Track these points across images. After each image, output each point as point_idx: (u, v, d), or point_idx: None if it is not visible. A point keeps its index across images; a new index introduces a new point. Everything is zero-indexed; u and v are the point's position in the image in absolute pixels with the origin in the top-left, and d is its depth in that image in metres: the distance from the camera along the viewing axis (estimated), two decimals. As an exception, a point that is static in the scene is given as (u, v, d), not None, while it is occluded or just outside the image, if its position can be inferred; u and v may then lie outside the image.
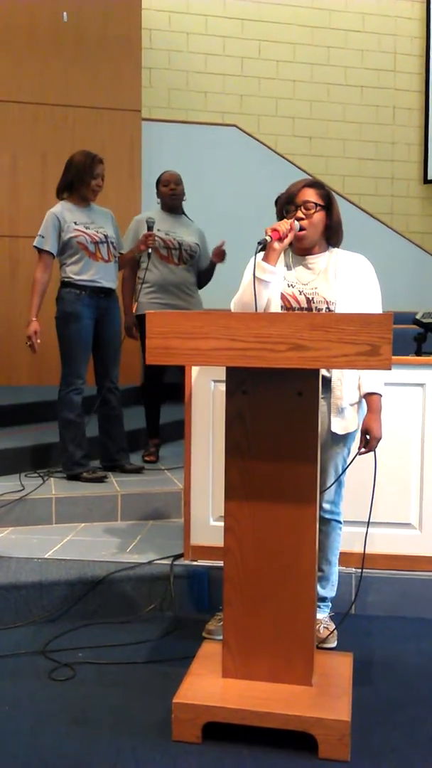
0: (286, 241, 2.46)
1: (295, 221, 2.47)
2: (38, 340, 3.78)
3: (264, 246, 2.44)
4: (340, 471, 2.58)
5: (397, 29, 7.79)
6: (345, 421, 2.51)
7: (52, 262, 3.83)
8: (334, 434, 2.52)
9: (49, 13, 5.95)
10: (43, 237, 3.78)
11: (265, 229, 2.45)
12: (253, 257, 2.46)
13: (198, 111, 7.30)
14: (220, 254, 4.18)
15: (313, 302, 2.48)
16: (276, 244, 2.44)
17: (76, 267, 3.80)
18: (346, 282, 2.49)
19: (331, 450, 2.53)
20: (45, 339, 5.91)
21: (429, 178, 7.89)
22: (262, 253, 2.47)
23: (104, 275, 3.88)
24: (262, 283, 2.45)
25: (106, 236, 3.88)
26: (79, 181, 3.82)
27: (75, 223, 3.80)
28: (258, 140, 7.18)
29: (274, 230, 2.43)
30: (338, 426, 2.51)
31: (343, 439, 2.55)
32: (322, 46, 7.61)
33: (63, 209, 3.82)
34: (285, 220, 2.50)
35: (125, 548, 3.19)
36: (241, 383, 2.13)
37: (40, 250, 3.80)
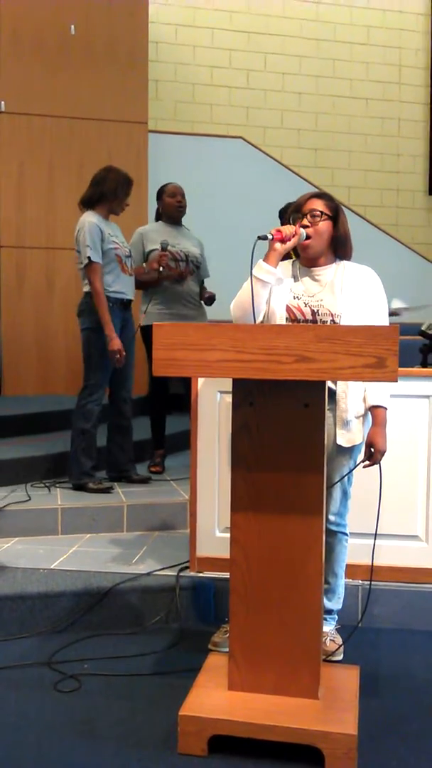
0: (289, 244, 2.47)
1: (301, 228, 2.49)
2: (124, 352, 3.79)
3: (264, 241, 2.45)
4: (346, 483, 2.58)
5: (402, 42, 7.83)
6: (350, 433, 2.51)
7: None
8: (340, 446, 2.52)
9: (56, 25, 6.00)
10: (91, 248, 3.76)
11: (271, 229, 2.47)
12: (252, 249, 2.43)
13: (204, 123, 7.34)
14: (208, 299, 4.34)
15: (318, 315, 2.49)
16: (277, 245, 2.46)
17: (109, 278, 3.83)
18: (352, 294, 2.50)
19: (336, 462, 2.53)
20: (50, 348, 5.97)
21: (434, 189, 7.92)
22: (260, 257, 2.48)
23: (129, 288, 3.96)
24: (259, 283, 2.46)
25: (129, 250, 3.98)
26: (113, 195, 3.87)
27: (110, 234, 3.85)
28: (264, 152, 7.21)
29: (278, 231, 2.46)
30: (343, 438, 2.51)
31: (349, 451, 2.55)
32: (327, 59, 7.66)
33: (98, 220, 3.84)
34: (291, 225, 2.52)
35: (131, 559, 3.19)
36: (248, 395, 2.13)
37: (91, 262, 3.77)
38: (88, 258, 3.75)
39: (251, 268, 2.45)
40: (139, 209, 5.99)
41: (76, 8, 6.04)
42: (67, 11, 6.01)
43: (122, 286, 3.89)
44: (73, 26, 6.01)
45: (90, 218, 3.82)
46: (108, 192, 3.87)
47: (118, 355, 3.76)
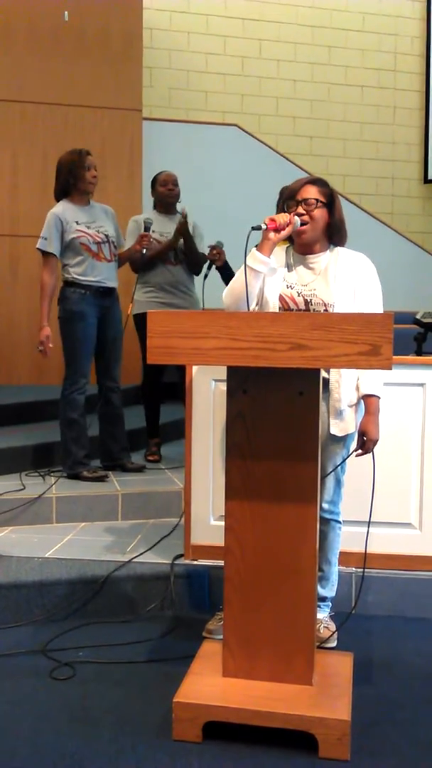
0: (283, 233, 2.44)
1: (295, 217, 2.46)
2: (50, 345, 3.77)
3: (258, 231, 2.42)
4: (339, 471, 2.58)
5: (398, 29, 7.79)
6: (344, 422, 2.51)
7: (57, 264, 3.82)
8: (333, 435, 2.52)
9: (49, 12, 5.94)
10: (45, 239, 3.75)
11: (265, 218, 2.44)
12: (246, 238, 2.41)
13: (199, 110, 7.29)
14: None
15: (311, 304, 2.48)
16: (271, 234, 2.43)
17: (80, 268, 3.81)
18: (346, 283, 2.49)
19: (329, 451, 2.53)
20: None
21: (429, 178, 7.89)
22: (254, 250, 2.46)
23: (108, 275, 3.90)
24: (252, 273, 2.43)
25: (107, 236, 3.90)
26: (73, 177, 3.81)
27: (77, 222, 3.80)
28: (259, 140, 7.17)
29: (272, 220, 2.42)
30: (336, 428, 2.51)
31: (342, 440, 2.55)
32: (322, 46, 7.61)
33: (64, 209, 3.81)
34: (285, 213, 2.49)
35: (126, 547, 3.19)
36: (242, 383, 2.13)
37: (44, 253, 3.78)
38: (38, 248, 3.77)
39: (245, 258, 2.44)
40: (133, 196, 5.98)
41: (69, -6, 5.99)
42: (60, -3, 5.96)
43: (97, 273, 3.84)
44: (66, 12, 5.96)
45: (54, 209, 3.81)
46: (66, 178, 3.82)
47: (41, 347, 3.76)
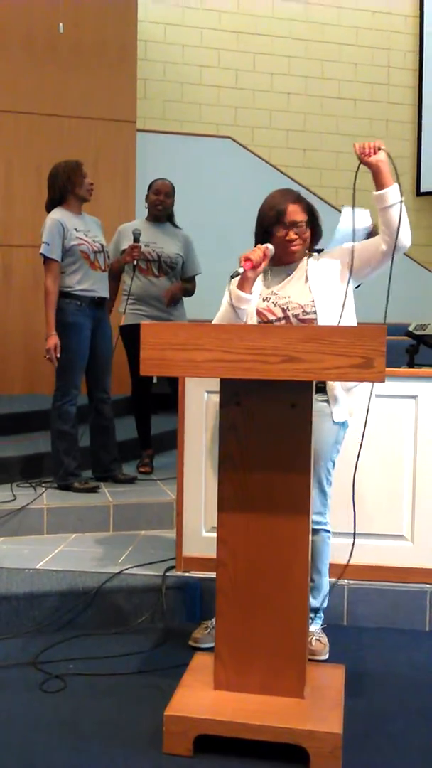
0: (260, 269, 2.48)
1: (268, 246, 2.48)
2: (57, 354, 3.74)
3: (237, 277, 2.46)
4: (325, 482, 2.58)
5: (391, 43, 7.86)
6: (340, 407, 2.52)
7: (59, 270, 3.78)
8: (332, 420, 2.51)
9: (45, 24, 5.96)
10: (48, 244, 3.71)
11: (239, 258, 2.45)
12: (228, 285, 2.47)
13: (193, 122, 7.33)
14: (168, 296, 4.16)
15: (289, 310, 2.50)
16: (250, 273, 2.46)
17: (76, 276, 3.79)
18: (321, 274, 2.52)
19: (326, 431, 2.51)
20: (37, 347, 5.92)
21: (422, 190, 7.95)
22: (236, 281, 2.48)
23: (101, 285, 3.89)
24: (238, 311, 2.49)
25: (102, 246, 3.90)
26: (71, 185, 3.81)
27: (76, 230, 3.79)
28: (252, 152, 7.21)
29: (247, 260, 2.44)
30: (337, 414, 2.51)
31: (339, 426, 2.54)
32: (316, 60, 7.67)
33: (63, 215, 3.79)
34: (258, 246, 2.49)
35: (117, 559, 3.18)
36: (235, 395, 2.14)
37: (47, 259, 3.74)
38: (42, 254, 3.72)
39: (230, 300, 2.48)
40: (126, 208, 5.98)
41: (64, 6, 6.01)
42: (55, 9, 5.98)
43: (92, 283, 3.83)
44: (61, 24, 5.99)
45: (53, 215, 3.78)
46: (64, 185, 3.81)
47: (48, 355, 3.71)
